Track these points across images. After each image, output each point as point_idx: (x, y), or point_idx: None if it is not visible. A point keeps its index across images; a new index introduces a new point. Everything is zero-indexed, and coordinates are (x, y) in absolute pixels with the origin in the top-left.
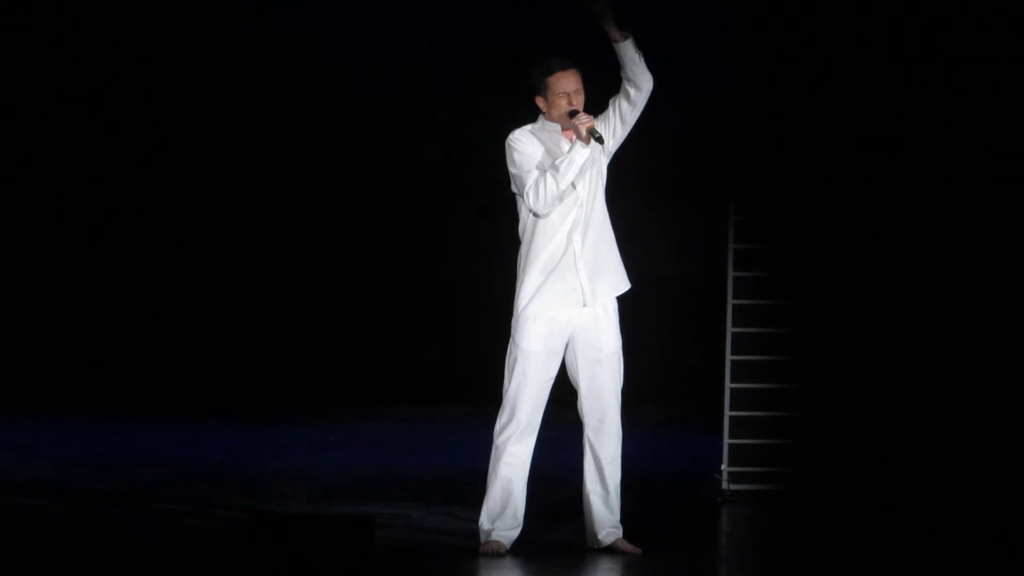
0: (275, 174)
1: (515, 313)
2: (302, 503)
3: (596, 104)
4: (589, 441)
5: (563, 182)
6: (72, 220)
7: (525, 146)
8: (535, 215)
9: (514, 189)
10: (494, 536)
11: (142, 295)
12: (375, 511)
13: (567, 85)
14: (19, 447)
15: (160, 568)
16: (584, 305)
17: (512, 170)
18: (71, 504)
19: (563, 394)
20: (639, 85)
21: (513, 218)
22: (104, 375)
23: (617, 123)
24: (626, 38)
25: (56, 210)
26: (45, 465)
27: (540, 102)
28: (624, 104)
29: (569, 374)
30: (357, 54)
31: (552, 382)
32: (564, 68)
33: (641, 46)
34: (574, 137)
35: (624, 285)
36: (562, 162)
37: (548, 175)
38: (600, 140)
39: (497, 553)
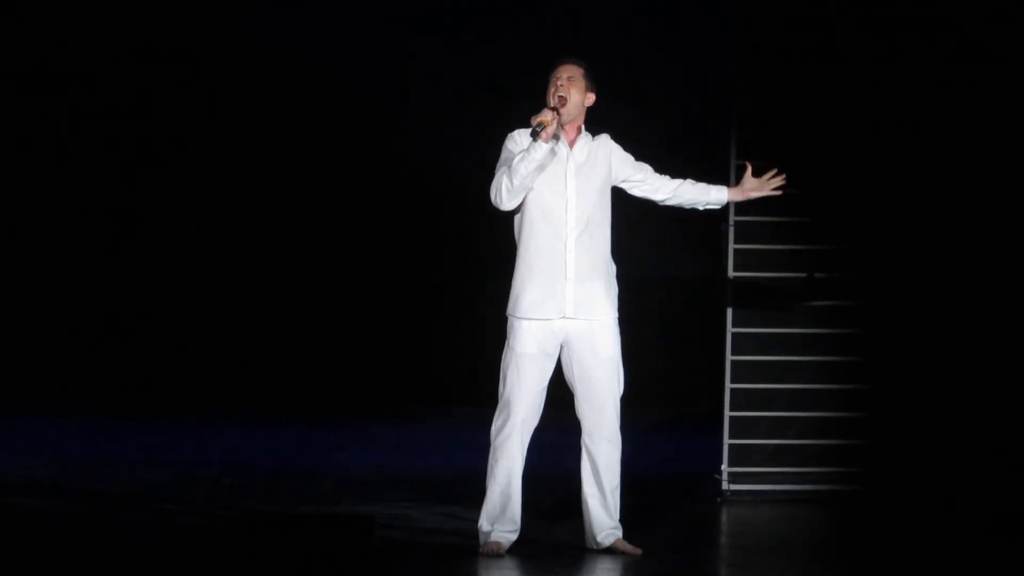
0: (275, 175)
1: (508, 313)
2: (302, 503)
3: (605, 106)
4: (585, 445)
5: (515, 177)
6: (74, 220)
7: (515, 144)
8: (499, 209)
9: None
10: (493, 537)
11: (143, 295)
12: (375, 511)
13: (560, 73)
14: (19, 447)
15: (160, 568)
16: (564, 316)
17: (496, 169)
18: (71, 504)
19: (563, 395)
20: (670, 203)
21: (510, 221)
22: (105, 375)
23: (633, 183)
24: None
25: (57, 209)
26: (45, 465)
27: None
28: (650, 190)
29: (566, 377)
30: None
31: (547, 383)
32: (563, 62)
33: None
34: (560, 137)
35: (610, 312)
36: (518, 158)
37: (505, 170)
38: (534, 135)
39: (496, 554)
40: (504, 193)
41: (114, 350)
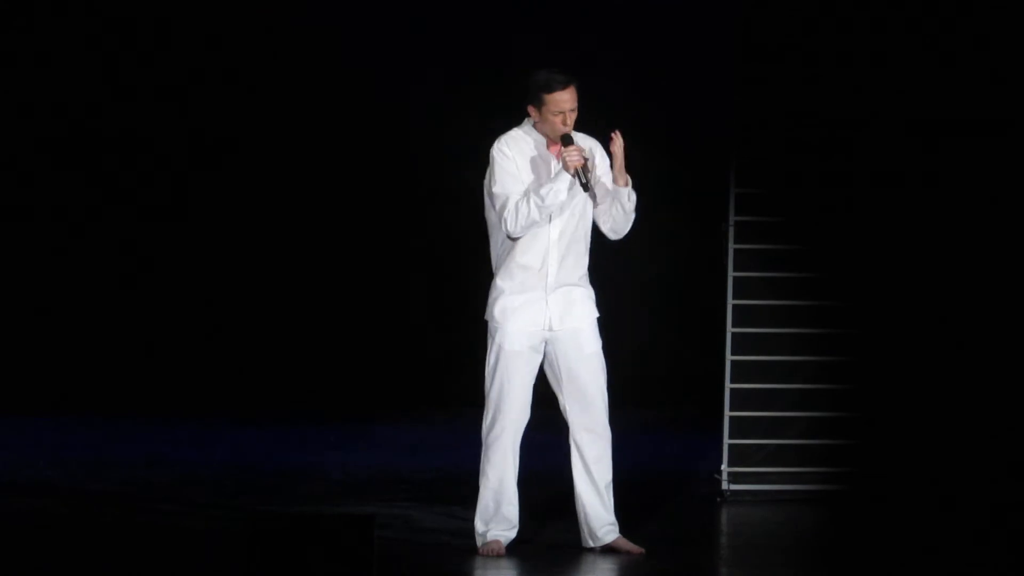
0: (275, 175)
1: (488, 318)
2: (302, 503)
3: (604, 108)
4: (575, 441)
5: (544, 212)
6: (74, 219)
7: (508, 161)
8: (509, 238)
9: (489, 211)
10: (490, 536)
11: (143, 295)
12: (375, 511)
13: (564, 104)
14: (19, 447)
15: (160, 568)
16: (548, 329)
17: (493, 188)
18: (71, 504)
19: (553, 394)
20: (616, 231)
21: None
22: (104, 375)
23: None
24: (627, 183)
25: (57, 208)
26: (45, 465)
27: (532, 111)
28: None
29: (549, 376)
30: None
31: (534, 379)
32: (563, 87)
33: (636, 189)
34: (560, 153)
35: (592, 313)
36: (547, 192)
37: (531, 201)
38: (585, 186)
39: (496, 553)
40: (528, 225)
41: (115, 350)
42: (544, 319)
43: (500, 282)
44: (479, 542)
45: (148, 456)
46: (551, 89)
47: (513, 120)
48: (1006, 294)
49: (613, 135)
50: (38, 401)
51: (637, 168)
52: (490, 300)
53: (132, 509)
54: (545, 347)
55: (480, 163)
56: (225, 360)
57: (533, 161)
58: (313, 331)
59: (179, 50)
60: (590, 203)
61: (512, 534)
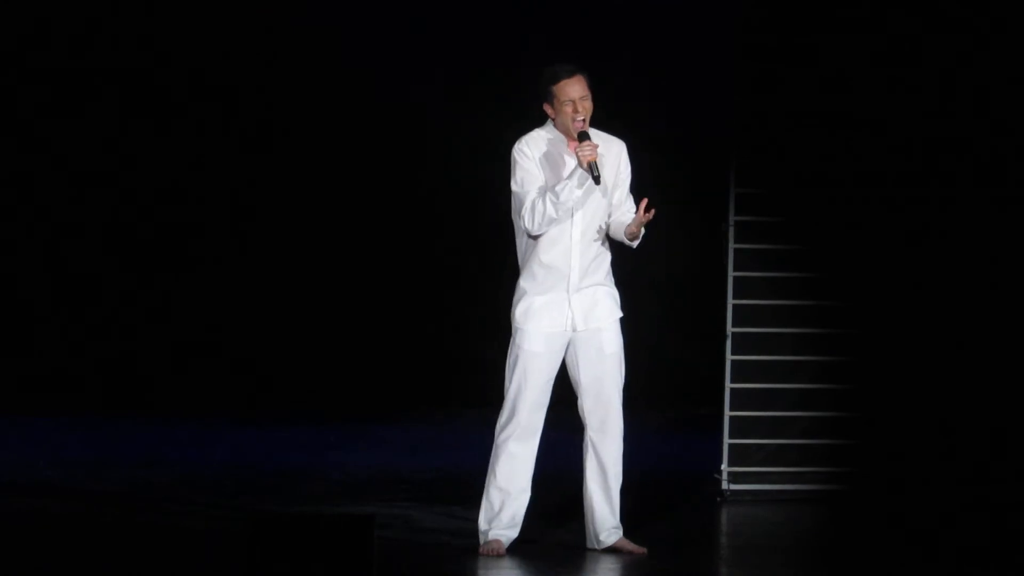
0: (276, 175)
1: (512, 319)
2: (302, 503)
3: (604, 108)
4: (591, 442)
5: (561, 209)
6: (74, 217)
7: (528, 161)
8: (529, 236)
9: (513, 212)
10: (492, 536)
11: (143, 295)
12: (375, 511)
13: (573, 92)
14: (19, 447)
15: (161, 568)
16: (572, 330)
17: (513, 187)
18: (71, 505)
19: (564, 394)
20: (616, 238)
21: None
22: (104, 375)
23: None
24: (635, 239)
25: (57, 207)
26: (45, 465)
27: (547, 109)
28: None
29: (570, 375)
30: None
31: (552, 382)
32: (570, 75)
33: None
34: (576, 149)
35: (615, 312)
36: (562, 188)
37: (547, 199)
38: (596, 180)
39: (497, 553)
40: (545, 223)
41: (114, 350)
42: (567, 320)
43: (523, 283)
44: (481, 540)
45: (148, 456)
46: (557, 79)
47: (516, 120)
48: (1006, 294)
49: (647, 208)
50: (38, 401)
51: (638, 168)
52: (513, 300)
53: (132, 509)
54: (567, 347)
55: (480, 163)
56: (225, 360)
57: (553, 160)
58: (313, 331)
59: (177, 50)
60: (603, 217)
61: (513, 534)
